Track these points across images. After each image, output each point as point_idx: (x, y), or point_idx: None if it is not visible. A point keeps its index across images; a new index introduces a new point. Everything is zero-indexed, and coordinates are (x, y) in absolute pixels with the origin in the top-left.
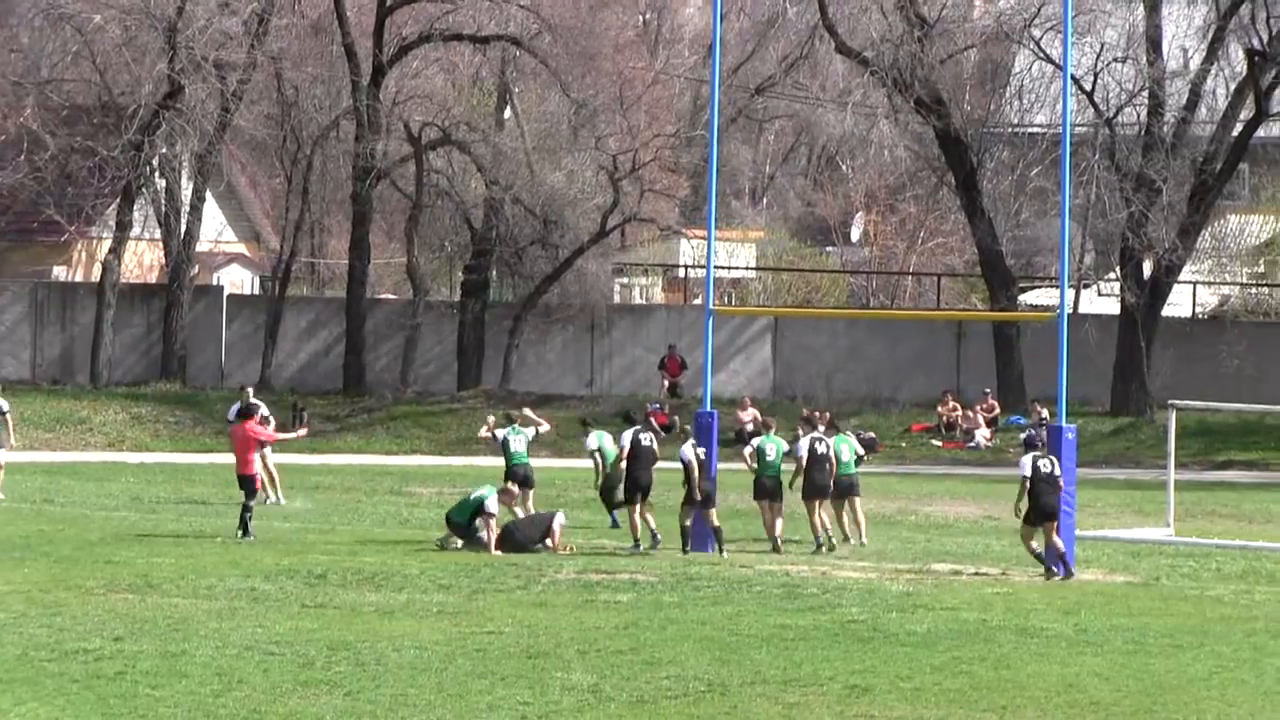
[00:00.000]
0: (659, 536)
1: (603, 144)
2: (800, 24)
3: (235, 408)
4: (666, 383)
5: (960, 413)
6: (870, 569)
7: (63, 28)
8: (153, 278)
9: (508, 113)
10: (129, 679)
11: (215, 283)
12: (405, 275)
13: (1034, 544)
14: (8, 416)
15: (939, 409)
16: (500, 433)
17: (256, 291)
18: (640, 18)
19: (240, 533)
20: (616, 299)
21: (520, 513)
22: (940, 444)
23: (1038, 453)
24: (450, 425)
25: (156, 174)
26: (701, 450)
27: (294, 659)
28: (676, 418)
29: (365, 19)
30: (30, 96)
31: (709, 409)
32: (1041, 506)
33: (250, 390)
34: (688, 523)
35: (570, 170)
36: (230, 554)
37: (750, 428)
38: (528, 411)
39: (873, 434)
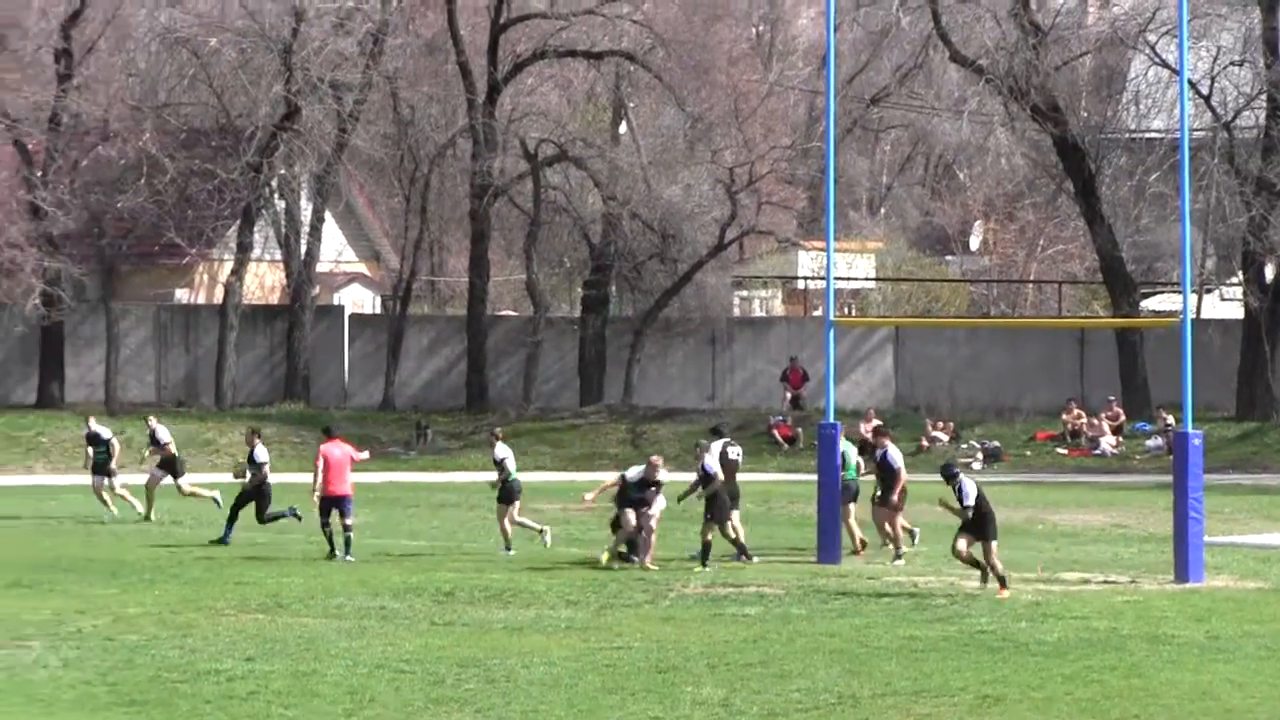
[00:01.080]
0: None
1: (719, 157)
2: (914, 33)
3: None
4: (789, 395)
5: (1085, 420)
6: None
7: (179, 51)
8: (274, 299)
9: (623, 128)
10: (261, 699)
11: (336, 303)
12: (525, 292)
13: None
14: (114, 444)
15: (1063, 416)
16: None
17: (377, 311)
18: (753, 30)
19: (343, 553)
20: (736, 312)
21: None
22: (1065, 452)
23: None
24: (573, 441)
25: (276, 195)
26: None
27: (424, 677)
28: (800, 430)
29: (479, 37)
30: (149, 120)
31: (832, 421)
32: None
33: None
34: (709, 537)
35: (687, 184)
36: (358, 573)
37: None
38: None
39: (997, 443)
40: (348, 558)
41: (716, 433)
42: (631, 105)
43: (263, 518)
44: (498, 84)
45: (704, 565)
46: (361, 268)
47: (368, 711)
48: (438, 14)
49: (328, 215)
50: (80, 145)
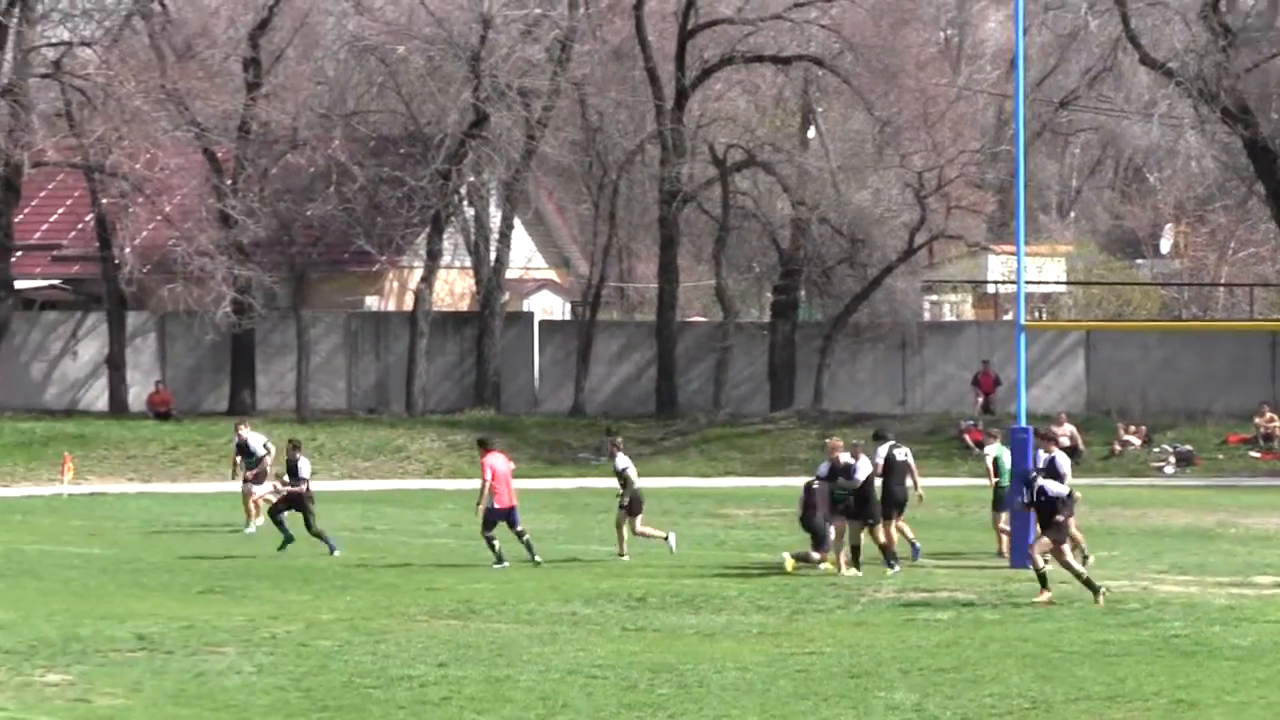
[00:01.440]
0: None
1: (908, 161)
2: (1102, 36)
3: None
4: (980, 399)
5: (1278, 424)
6: (1191, 583)
7: (367, 59)
8: (464, 305)
9: (811, 132)
10: (454, 705)
11: (526, 309)
12: (714, 297)
13: None
14: (269, 457)
15: (1256, 420)
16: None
17: (567, 317)
18: (941, 34)
19: (530, 555)
20: (926, 316)
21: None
22: (1258, 455)
23: None
24: (764, 446)
25: (465, 202)
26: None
27: (617, 682)
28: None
29: (667, 43)
30: (338, 128)
31: (1023, 425)
32: None
33: None
34: (882, 539)
35: (876, 189)
36: (550, 578)
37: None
38: None
39: (1189, 447)
40: (535, 559)
41: (880, 437)
42: (820, 110)
43: (311, 529)
44: (686, 90)
45: (890, 568)
46: (551, 274)
47: (560, 717)
48: (625, 20)
49: (517, 222)
50: (269, 153)
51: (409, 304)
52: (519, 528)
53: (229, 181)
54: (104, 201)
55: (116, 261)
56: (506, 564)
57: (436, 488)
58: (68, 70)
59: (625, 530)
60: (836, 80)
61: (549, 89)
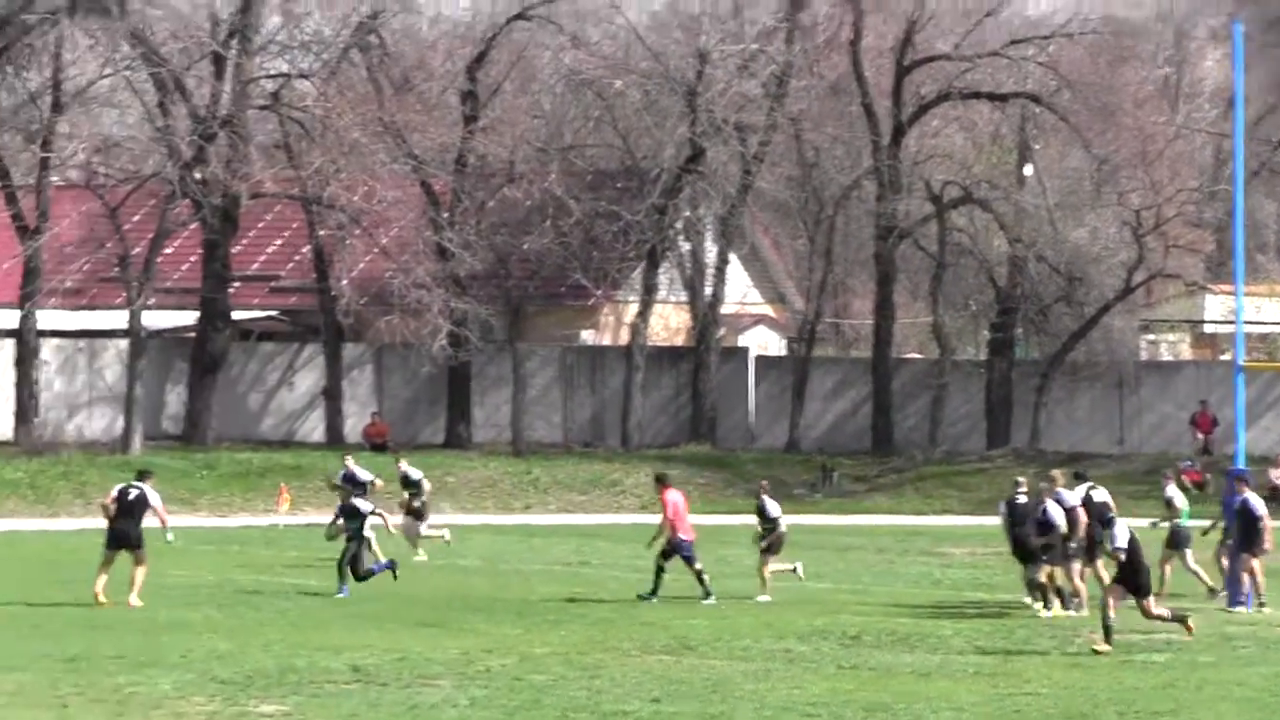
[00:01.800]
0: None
1: (1125, 200)
2: None
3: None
4: (1199, 439)
5: None
6: None
7: (584, 93)
8: (679, 340)
9: (1028, 169)
10: None
11: (741, 344)
12: (930, 334)
13: None
14: (424, 486)
15: None
16: None
17: (782, 353)
18: (1159, 72)
19: (704, 595)
20: (1143, 355)
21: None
22: None
23: None
24: (981, 485)
25: (681, 237)
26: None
27: None
28: (1209, 476)
29: (884, 79)
30: (554, 162)
31: (1241, 466)
32: None
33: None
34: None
35: (1093, 227)
36: (764, 615)
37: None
38: None
39: None
40: (709, 600)
41: (1080, 477)
42: (1037, 147)
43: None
44: (902, 125)
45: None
46: (766, 309)
47: None
48: (842, 56)
49: (733, 257)
50: (486, 186)
51: (624, 338)
52: (697, 565)
53: (446, 214)
54: (321, 233)
55: (334, 293)
56: (656, 600)
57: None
58: (286, 102)
59: (767, 572)
60: (1054, 117)
61: (765, 124)
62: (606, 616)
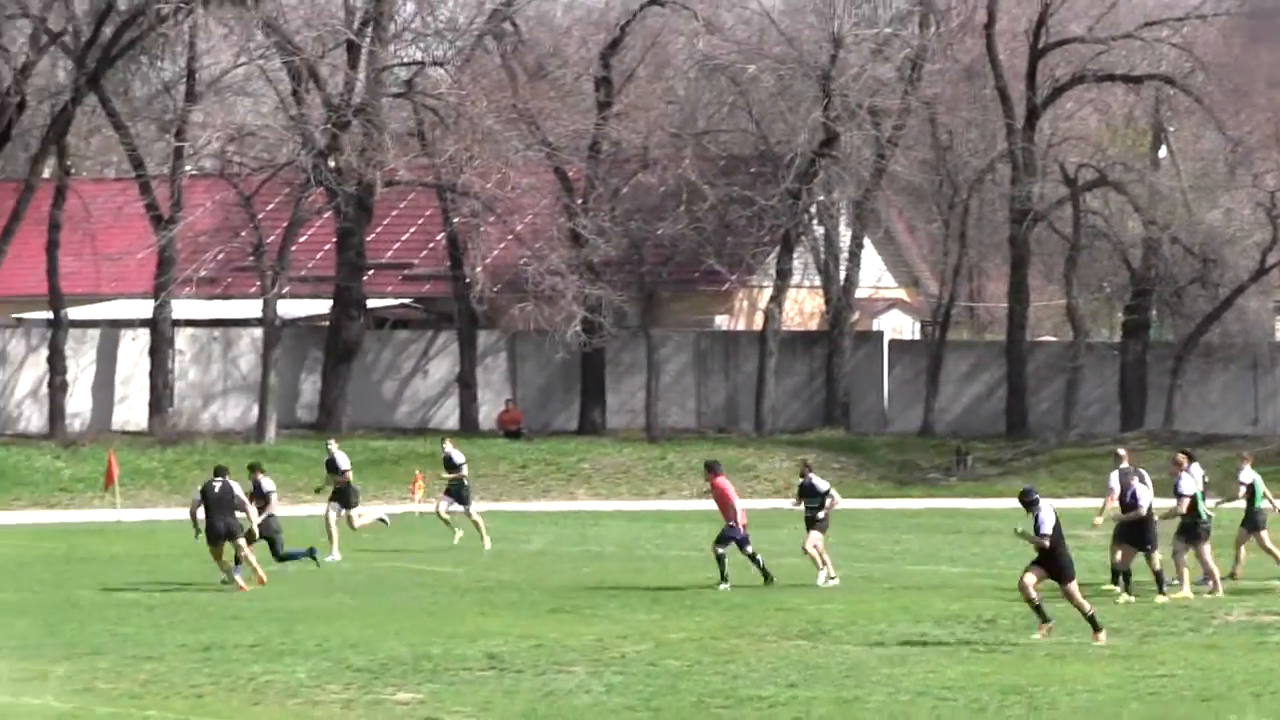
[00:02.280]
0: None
1: (1260, 181)
2: None
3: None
4: None
5: None
6: None
7: (718, 79)
8: (813, 325)
9: (1163, 151)
10: None
11: (875, 328)
12: (1064, 317)
13: None
14: (463, 469)
15: None
16: None
17: (916, 336)
18: None
19: (765, 579)
20: (1278, 336)
21: None
22: None
23: None
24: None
25: (815, 221)
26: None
27: (967, 704)
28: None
29: (1018, 62)
30: (688, 148)
31: None
32: None
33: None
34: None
35: (1227, 208)
36: (899, 600)
37: None
38: None
39: None
40: (769, 577)
41: (1191, 457)
42: (1171, 129)
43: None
44: (1036, 108)
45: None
46: (900, 293)
47: None
48: (976, 39)
49: (866, 241)
50: (620, 173)
51: (758, 323)
52: (749, 548)
53: (580, 201)
54: (455, 220)
55: (468, 280)
56: (727, 586)
57: (785, 508)
58: (420, 90)
59: (817, 551)
60: (1188, 99)
61: (899, 108)
62: (741, 602)
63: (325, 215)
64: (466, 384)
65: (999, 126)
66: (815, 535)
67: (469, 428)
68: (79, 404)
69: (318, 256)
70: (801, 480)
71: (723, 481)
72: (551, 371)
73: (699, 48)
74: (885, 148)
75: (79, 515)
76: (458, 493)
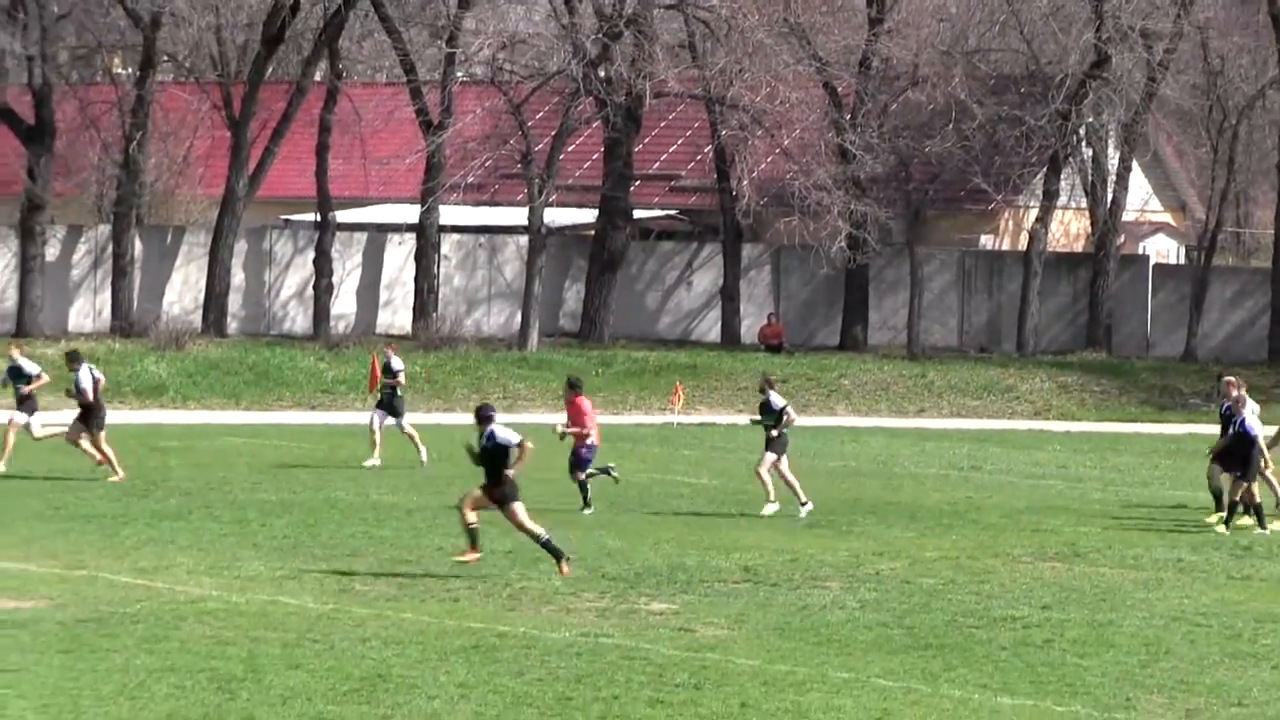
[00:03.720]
0: None
1: None
2: None
3: None
4: None
5: None
6: None
7: None
8: (1078, 247)
9: None
10: (1056, 647)
11: (1141, 252)
12: None
13: None
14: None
15: None
16: None
17: (1181, 261)
18: None
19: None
20: None
21: None
22: None
23: None
24: None
25: (1083, 143)
26: None
27: (1220, 630)
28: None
29: None
30: (958, 66)
31: None
32: None
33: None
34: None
35: None
36: (1156, 524)
37: None
38: None
39: None
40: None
41: None
42: None
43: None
44: None
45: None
46: (1166, 217)
47: (1162, 664)
48: None
49: (1134, 164)
50: (889, 90)
51: (1023, 243)
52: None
53: (848, 116)
54: (723, 133)
55: (734, 193)
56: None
57: (1045, 429)
58: (691, 2)
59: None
60: None
61: (1171, 31)
62: (997, 522)
63: (593, 125)
64: (730, 297)
65: (1270, 53)
66: (769, 457)
67: (730, 341)
68: (343, 306)
69: (584, 166)
70: (762, 396)
71: (583, 401)
72: (815, 287)
73: None
74: (1156, 71)
75: (340, 417)
76: (390, 404)
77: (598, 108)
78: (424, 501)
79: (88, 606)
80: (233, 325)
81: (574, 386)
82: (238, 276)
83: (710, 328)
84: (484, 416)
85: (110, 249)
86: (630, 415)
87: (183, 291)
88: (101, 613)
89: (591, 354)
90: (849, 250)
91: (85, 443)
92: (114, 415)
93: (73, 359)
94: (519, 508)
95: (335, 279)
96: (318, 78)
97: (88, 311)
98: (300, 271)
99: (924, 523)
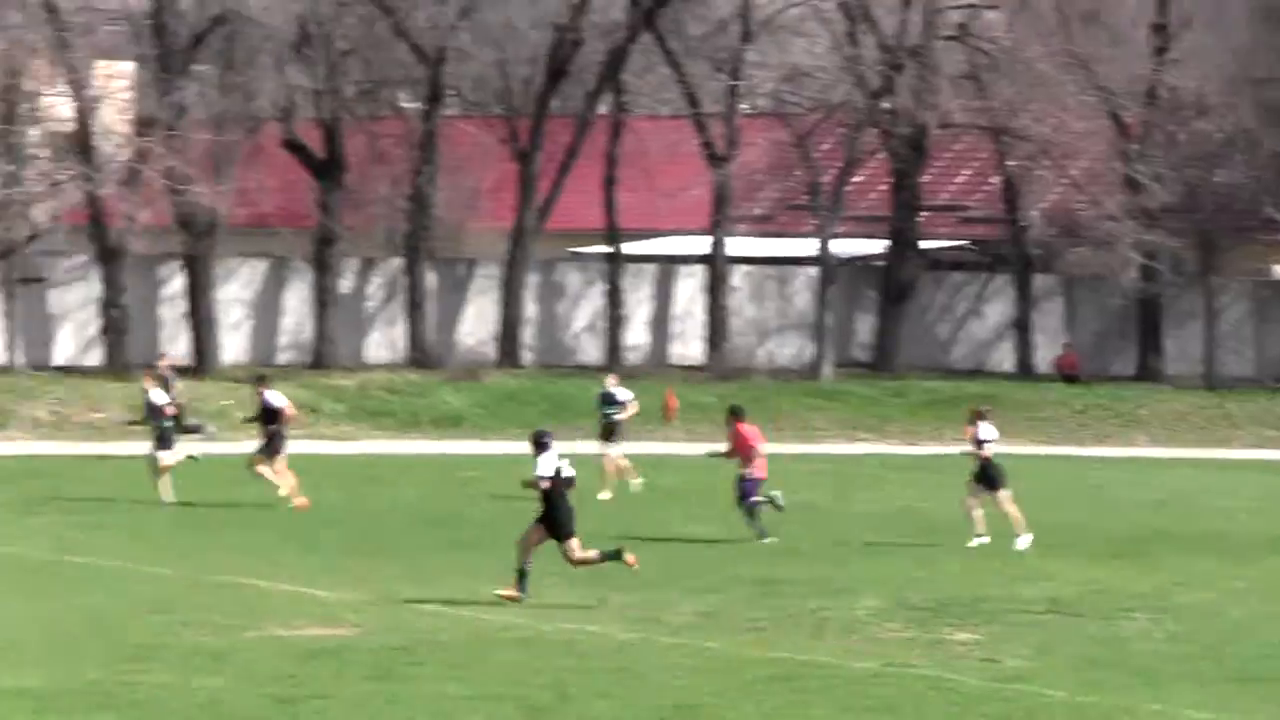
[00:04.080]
0: None
1: None
2: None
3: None
4: None
5: None
6: None
7: (1276, 25)
8: None
9: None
10: None
11: None
12: None
13: None
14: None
15: None
16: None
17: None
18: None
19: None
20: None
21: None
22: None
23: None
24: None
25: None
26: None
27: None
28: None
29: None
30: (1245, 95)
31: None
32: None
33: None
34: None
35: None
36: None
37: None
38: None
39: None
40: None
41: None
42: None
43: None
44: None
45: None
46: None
47: None
48: None
49: None
50: (1176, 119)
51: None
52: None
53: (1135, 146)
54: (1010, 164)
55: (1023, 224)
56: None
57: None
58: (973, 33)
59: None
60: None
61: None
62: None
63: (879, 156)
64: (1021, 327)
65: None
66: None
67: (1024, 371)
68: (635, 337)
69: (871, 197)
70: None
71: (744, 427)
72: (1107, 317)
73: None
74: None
75: (636, 447)
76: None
77: (883, 139)
78: (722, 532)
79: (396, 634)
80: (527, 357)
81: (735, 413)
82: (530, 308)
83: (1003, 358)
84: (541, 444)
85: (402, 282)
86: (925, 445)
87: (476, 324)
88: (409, 640)
89: (885, 384)
90: (1141, 280)
91: (266, 470)
92: (411, 445)
93: (260, 381)
94: (575, 544)
95: (626, 310)
96: (601, 110)
97: (383, 343)
98: (589, 303)
99: (1229, 553)
